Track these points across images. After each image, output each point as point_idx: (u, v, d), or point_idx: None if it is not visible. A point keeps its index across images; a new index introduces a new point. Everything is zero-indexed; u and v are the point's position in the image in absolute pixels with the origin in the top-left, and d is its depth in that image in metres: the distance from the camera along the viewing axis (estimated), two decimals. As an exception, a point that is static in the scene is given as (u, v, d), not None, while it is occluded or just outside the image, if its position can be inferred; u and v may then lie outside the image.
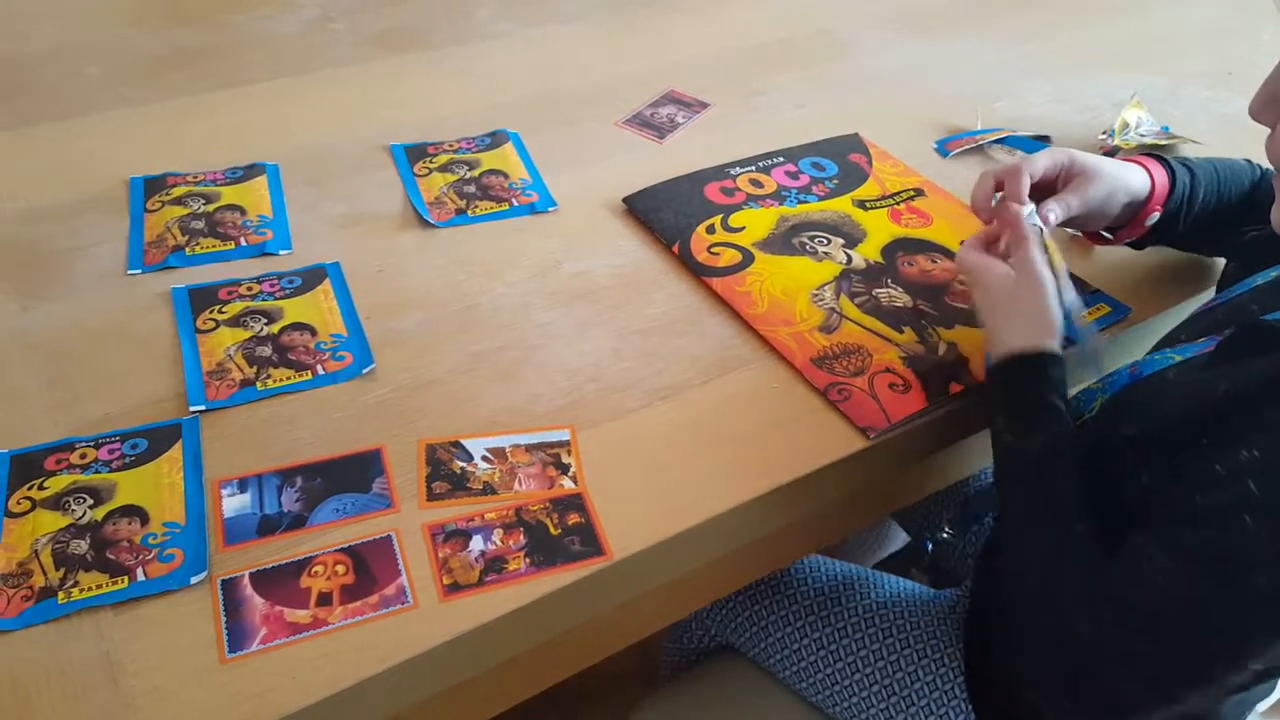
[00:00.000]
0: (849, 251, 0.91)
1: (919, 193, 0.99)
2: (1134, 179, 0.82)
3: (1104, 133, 1.08)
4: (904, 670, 0.88)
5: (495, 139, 1.04)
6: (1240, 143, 0.81)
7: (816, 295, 0.86)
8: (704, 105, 1.13)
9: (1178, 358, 0.70)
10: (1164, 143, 1.08)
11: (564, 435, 0.72)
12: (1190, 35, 1.39)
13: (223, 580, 0.61)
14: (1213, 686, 0.58)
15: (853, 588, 0.94)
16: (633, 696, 0.98)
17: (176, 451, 0.68)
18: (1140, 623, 0.58)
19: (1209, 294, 0.86)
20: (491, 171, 0.98)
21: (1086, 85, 1.22)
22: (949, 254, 0.91)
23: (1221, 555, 0.56)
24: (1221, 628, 0.56)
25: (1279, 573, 0.54)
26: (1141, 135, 1.08)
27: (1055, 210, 0.78)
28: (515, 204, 0.95)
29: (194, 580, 0.61)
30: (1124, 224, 0.84)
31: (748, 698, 0.96)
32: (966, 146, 1.07)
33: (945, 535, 1.03)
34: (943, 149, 1.07)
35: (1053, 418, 0.68)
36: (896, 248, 0.92)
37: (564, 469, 0.70)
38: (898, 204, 0.98)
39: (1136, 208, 0.83)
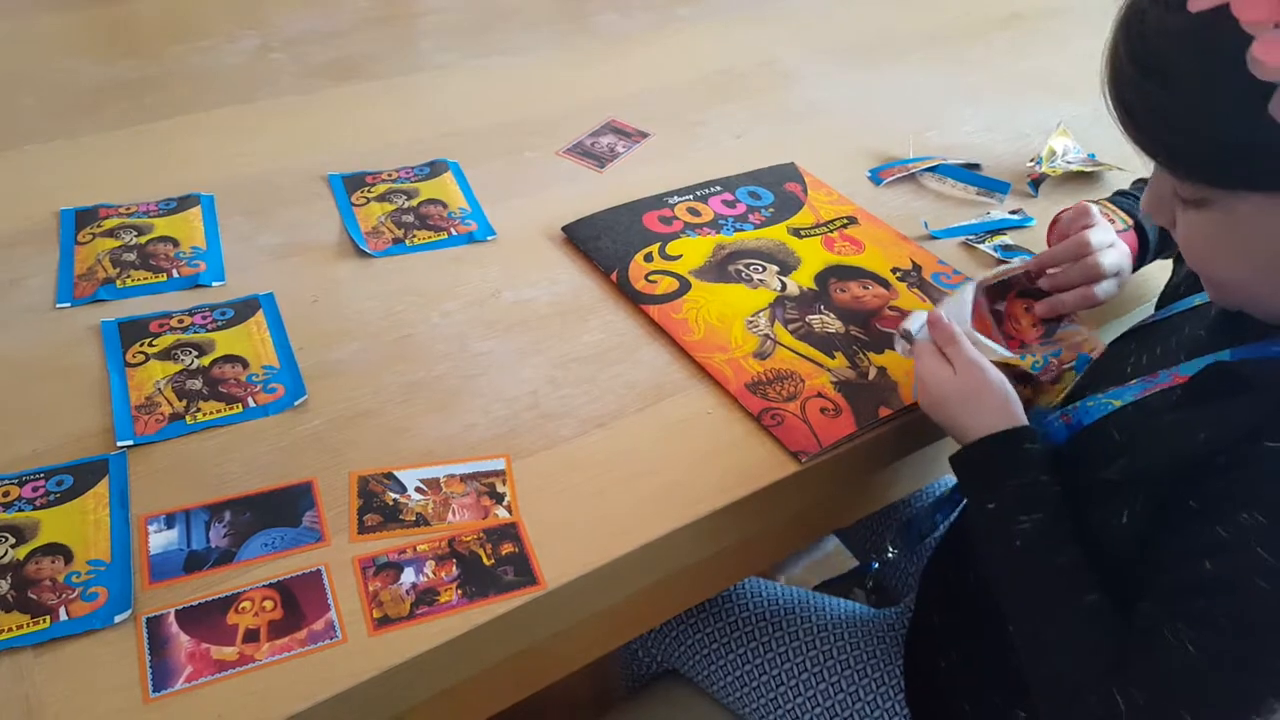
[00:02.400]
0: (783, 279, 0.93)
1: (852, 221, 1.01)
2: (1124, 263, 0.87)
3: (1032, 160, 1.11)
4: (845, 691, 0.89)
5: (434, 168, 1.04)
6: None
7: (751, 322, 0.87)
8: (644, 135, 1.15)
9: (1116, 402, 0.69)
10: (1090, 169, 1.11)
11: (499, 464, 0.72)
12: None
13: (147, 618, 0.60)
14: None
15: (793, 611, 0.94)
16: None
17: (103, 488, 0.67)
18: (1179, 695, 0.58)
19: (1147, 308, 0.89)
20: (430, 201, 0.99)
21: (1017, 114, 1.25)
22: (881, 281, 0.93)
23: (1243, 620, 0.56)
24: (1254, 686, 0.57)
25: None
26: (1068, 162, 1.12)
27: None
28: (454, 233, 0.95)
29: (118, 619, 0.60)
30: None
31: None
32: (899, 175, 1.09)
33: (890, 554, 1.04)
34: (876, 177, 1.10)
35: (1039, 494, 0.67)
36: (830, 275, 0.93)
37: (499, 498, 0.70)
38: (831, 232, 0.99)
39: None
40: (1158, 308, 0.83)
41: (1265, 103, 0.52)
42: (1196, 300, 0.75)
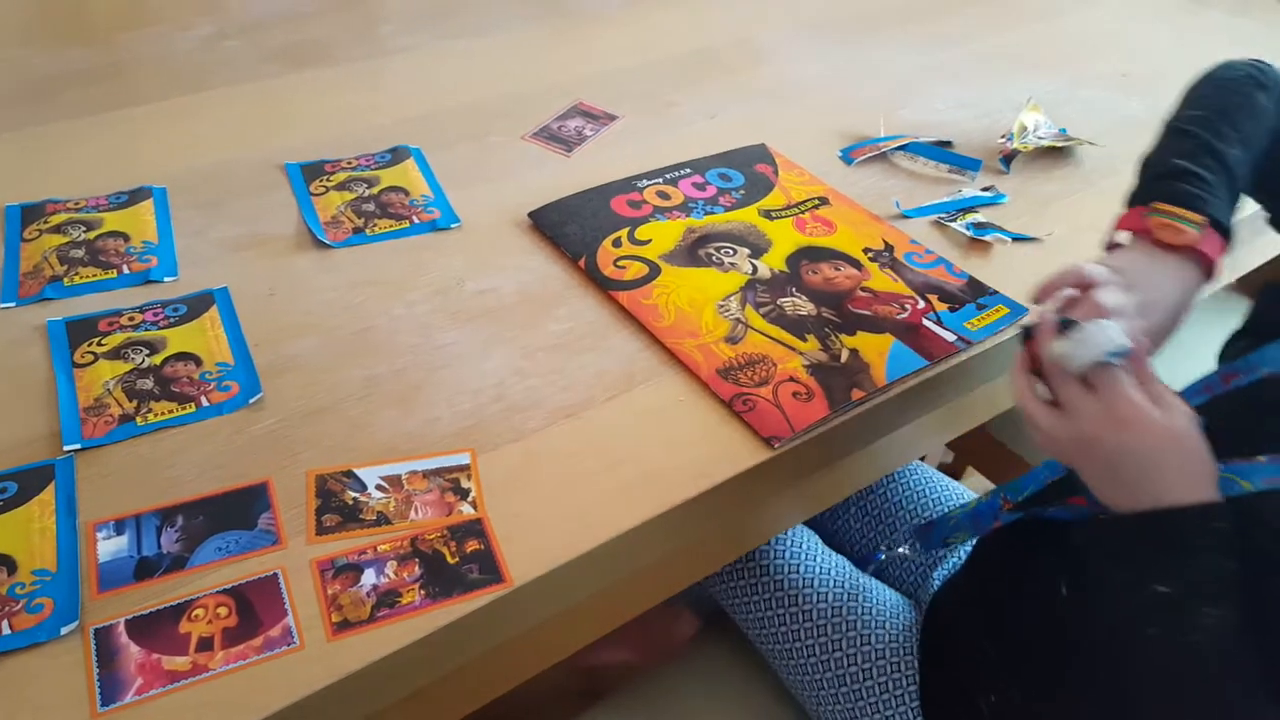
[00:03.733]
0: (754, 261, 0.91)
1: (824, 201, 1.00)
2: (1190, 283, 0.72)
3: (1003, 136, 1.10)
4: (860, 667, 0.88)
5: (396, 155, 1.01)
6: (1137, 141, 0.83)
7: (722, 306, 0.85)
8: (613, 117, 1.12)
9: (1245, 484, 0.61)
10: (1061, 144, 1.10)
11: (464, 459, 0.70)
12: (1090, 39, 1.42)
13: (96, 629, 0.58)
14: None
15: (827, 573, 0.94)
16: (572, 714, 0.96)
17: (49, 494, 0.65)
18: None
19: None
20: (391, 189, 0.96)
21: (989, 90, 1.24)
22: (853, 261, 0.91)
23: None
24: None
25: None
26: (1040, 138, 1.10)
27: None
28: (416, 221, 0.93)
29: (64, 631, 0.57)
30: None
31: (732, 674, 0.97)
32: (870, 154, 1.07)
33: (902, 552, 1.02)
34: (847, 157, 1.08)
35: (1232, 586, 0.57)
36: (801, 256, 0.92)
37: (463, 494, 0.68)
38: (803, 213, 0.98)
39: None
40: (1241, 333, 0.71)
41: None
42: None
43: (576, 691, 1.17)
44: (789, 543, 0.97)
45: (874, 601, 0.92)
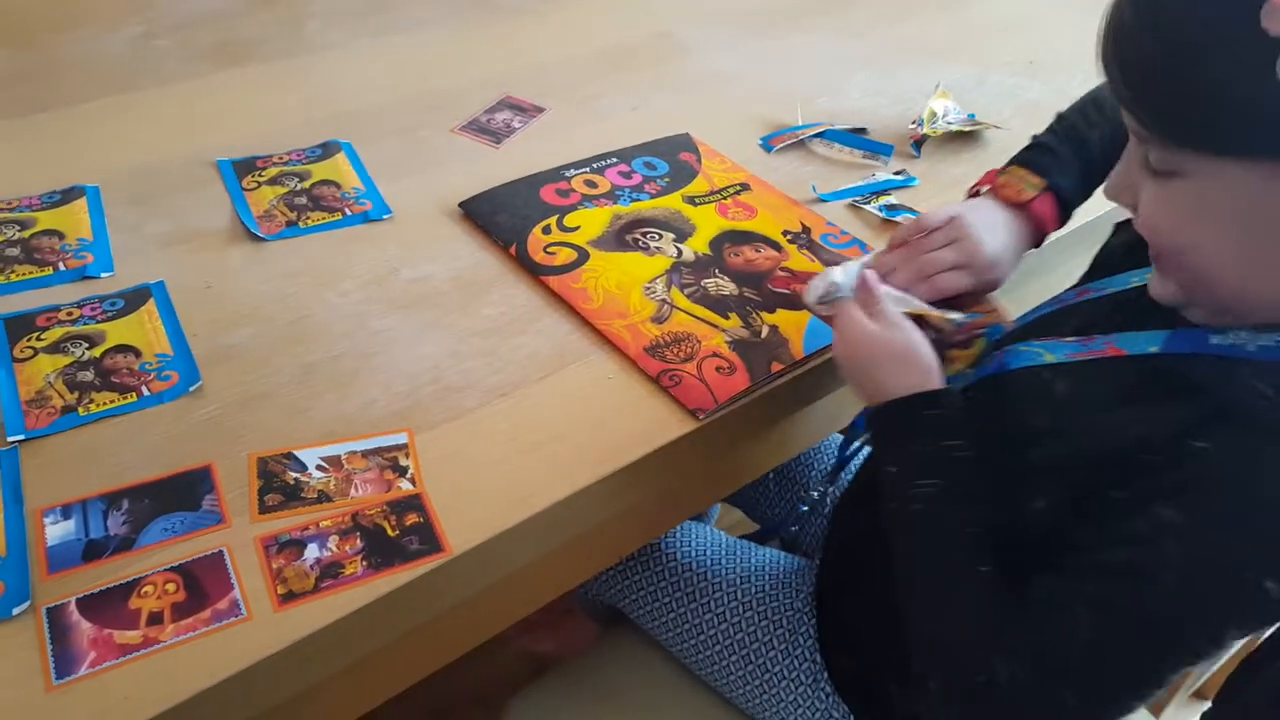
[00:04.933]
0: (679, 245, 0.95)
1: (745, 187, 1.04)
2: (1023, 237, 0.85)
3: (914, 122, 1.15)
4: (760, 640, 0.92)
5: (327, 149, 1.04)
6: (1041, 125, 0.90)
7: (649, 288, 0.89)
8: (540, 110, 1.16)
9: (1049, 356, 0.69)
10: (969, 129, 1.16)
11: (402, 439, 0.73)
12: (998, 28, 1.48)
13: (48, 609, 0.60)
14: (1129, 714, 0.61)
15: (719, 560, 0.98)
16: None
17: (-6, 484, 0.67)
18: (1063, 672, 0.59)
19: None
20: (323, 182, 0.98)
21: (902, 78, 1.29)
22: (772, 244, 0.96)
23: (1145, 612, 0.57)
24: (1142, 674, 0.59)
25: (1200, 630, 0.57)
26: (949, 123, 1.16)
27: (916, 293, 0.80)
28: (348, 213, 0.95)
29: (16, 611, 0.59)
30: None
31: (636, 669, 1.00)
32: (789, 141, 1.12)
33: (813, 496, 1.06)
34: (767, 145, 1.13)
35: (941, 459, 0.67)
36: (724, 240, 0.96)
37: (402, 471, 0.71)
38: (725, 199, 1.02)
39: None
40: (1094, 266, 0.80)
41: (1275, 61, 0.49)
42: (1135, 280, 0.72)
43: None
44: (678, 534, 1.01)
45: (770, 573, 0.96)
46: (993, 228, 0.83)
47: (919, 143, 1.13)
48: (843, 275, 0.79)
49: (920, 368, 0.72)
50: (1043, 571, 0.62)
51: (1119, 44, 0.58)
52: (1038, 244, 0.87)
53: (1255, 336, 0.60)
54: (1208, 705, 0.70)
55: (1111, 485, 0.61)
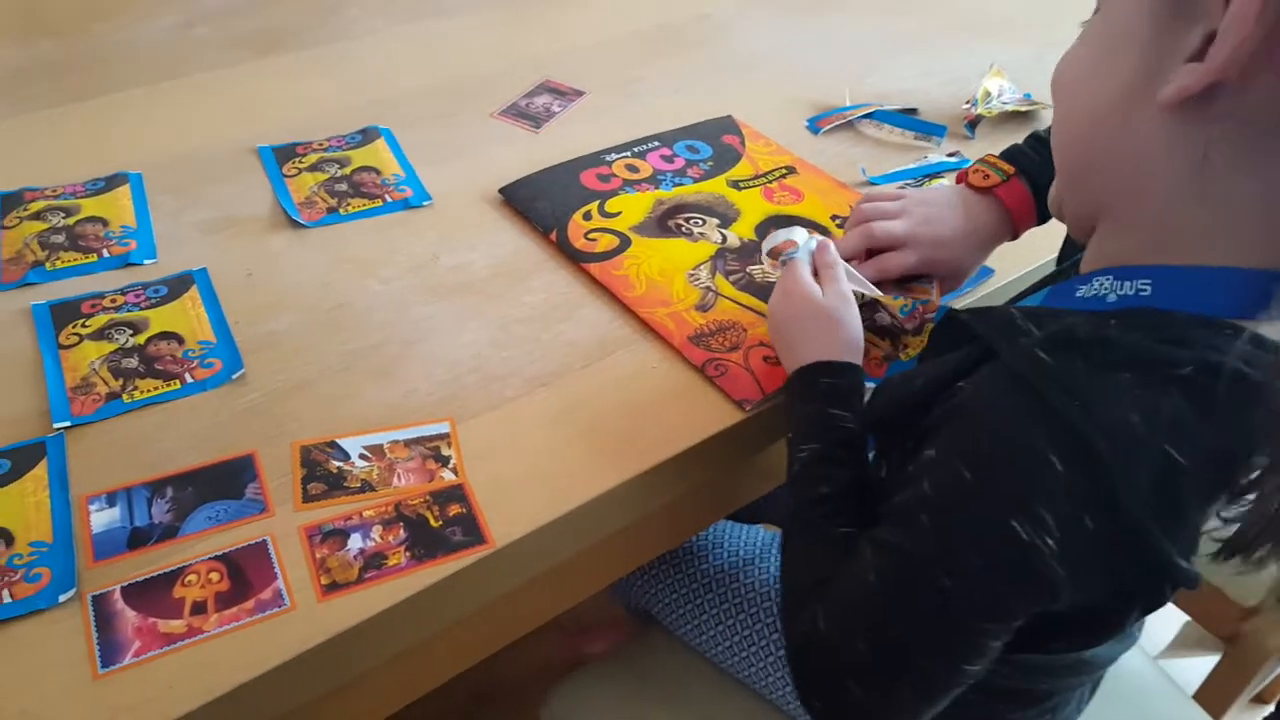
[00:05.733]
0: (724, 231, 0.93)
1: (791, 170, 1.02)
2: (989, 225, 0.83)
3: (967, 102, 1.12)
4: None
5: (366, 136, 1.03)
6: None
7: (693, 275, 0.87)
8: (579, 94, 1.14)
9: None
10: (1025, 109, 1.13)
11: (443, 428, 0.72)
12: (1054, 2, 1.44)
13: (93, 596, 0.60)
14: (935, 688, 0.57)
15: (753, 561, 0.96)
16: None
17: (41, 470, 0.67)
18: (854, 618, 0.58)
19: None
20: (363, 169, 0.98)
21: (954, 58, 1.26)
22: (821, 229, 0.94)
23: (906, 553, 0.56)
24: (918, 626, 0.56)
25: (956, 574, 0.53)
26: (1004, 103, 1.13)
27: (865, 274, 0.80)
28: (389, 200, 0.94)
29: (62, 598, 0.59)
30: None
31: (667, 669, 0.98)
32: (836, 123, 1.10)
33: None
34: (814, 126, 1.10)
35: (822, 425, 0.68)
36: (770, 225, 0.94)
37: (444, 461, 0.70)
38: (770, 182, 1.00)
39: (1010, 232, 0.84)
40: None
41: None
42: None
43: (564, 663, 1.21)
44: (710, 533, 0.99)
45: None
46: (948, 207, 0.83)
47: (973, 123, 1.10)
48: (803, 238, 0.81)
49: (840, 341, 0.72)
50: None
51: None
52: (1014, 236, 0.85)
53: (1118, 285, 0.56)
54: (1269, 709, 0.67)
55: (907, 435, 0.61)
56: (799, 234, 0.82)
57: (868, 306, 0.80)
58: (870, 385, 0.72)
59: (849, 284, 0.76)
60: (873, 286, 0.79)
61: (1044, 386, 0.52)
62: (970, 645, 0.55)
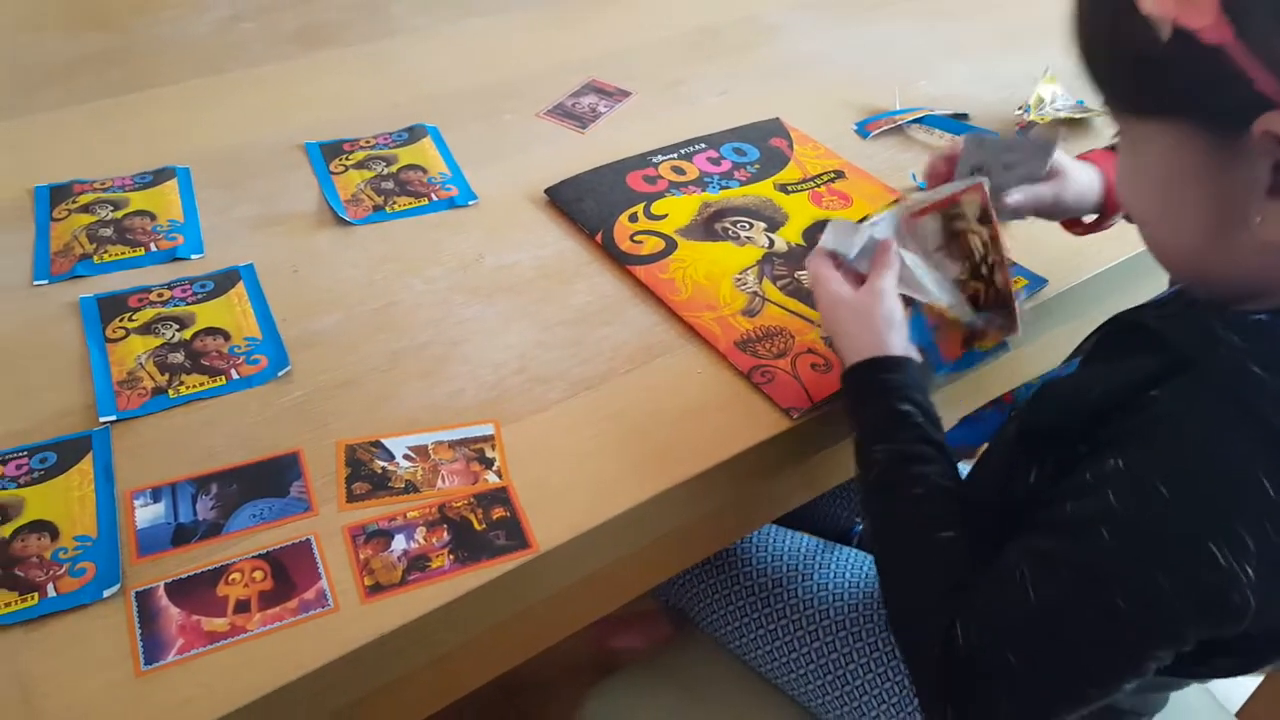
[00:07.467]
0: (771, 235, 0.92)
1: (839, 175, 1.00)
2: (1096, 181, 0.83)
3: (1020, 108, 1.10)
4: (842, 654, 0.89)
5: (413, 134, 1.02)
6: None
7: (739, 280, 0.86)
8: (625, 94, 1.13)
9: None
10: (1079, 116, 1.10)
11: (488, 430, 0.72)
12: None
13: (137, 592, 0.59)
14: (1084, 705, 0.56)
15: (797, 569, 0.94)
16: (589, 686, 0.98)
17: (87, 464, 0.67)
18: (1007, 634, 0.55)
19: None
20: (410, 167, 0.97)
21: (1006, 63, 1.23)
22: (869, 233, 0.92)
23: (1079, 569, 0.53)
24: (1083, 645, 0.54)
25: (1137, 594, 0.51)
26: (1057, 110, 1.10)
27: (1017, 196, 0.79)
28: (434, 199, 0.94)
29: (107, 594, 0.59)
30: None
31: (707, 675, 0.97)
32: (886, 127, 1.08)
33: None
34: (863, 130, 1.08)
35: (894, 423, 0.66)
36: (817, 230, 0.92)
37: (488, 463, 0.69)
38: (818, 186, 0.98)
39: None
40: None
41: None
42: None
43: (592, 665, 1.21)
44: (754, 537, 0.97)
45: (853, 583, 0.92)
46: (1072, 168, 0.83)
47: (1025, 130, 1.08)
48: (858, 240, 0.75)
49: (880, 333, 0.70)
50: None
51: (1077, 21, 0.59)
52: (1104, 208, 0.84)
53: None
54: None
55: (1080, 440, 0.58)
56: (835, 233, 0.77)
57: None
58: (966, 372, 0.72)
59: (890, 283, 0.73)
60: (931, 291, 0.76)
61: (1259, 403, 0.50)
62: (1133, 668, 0.54)
